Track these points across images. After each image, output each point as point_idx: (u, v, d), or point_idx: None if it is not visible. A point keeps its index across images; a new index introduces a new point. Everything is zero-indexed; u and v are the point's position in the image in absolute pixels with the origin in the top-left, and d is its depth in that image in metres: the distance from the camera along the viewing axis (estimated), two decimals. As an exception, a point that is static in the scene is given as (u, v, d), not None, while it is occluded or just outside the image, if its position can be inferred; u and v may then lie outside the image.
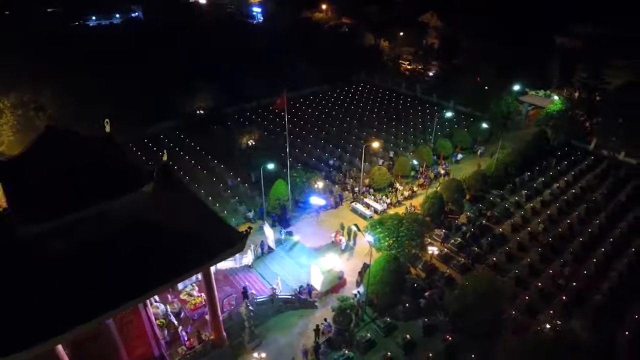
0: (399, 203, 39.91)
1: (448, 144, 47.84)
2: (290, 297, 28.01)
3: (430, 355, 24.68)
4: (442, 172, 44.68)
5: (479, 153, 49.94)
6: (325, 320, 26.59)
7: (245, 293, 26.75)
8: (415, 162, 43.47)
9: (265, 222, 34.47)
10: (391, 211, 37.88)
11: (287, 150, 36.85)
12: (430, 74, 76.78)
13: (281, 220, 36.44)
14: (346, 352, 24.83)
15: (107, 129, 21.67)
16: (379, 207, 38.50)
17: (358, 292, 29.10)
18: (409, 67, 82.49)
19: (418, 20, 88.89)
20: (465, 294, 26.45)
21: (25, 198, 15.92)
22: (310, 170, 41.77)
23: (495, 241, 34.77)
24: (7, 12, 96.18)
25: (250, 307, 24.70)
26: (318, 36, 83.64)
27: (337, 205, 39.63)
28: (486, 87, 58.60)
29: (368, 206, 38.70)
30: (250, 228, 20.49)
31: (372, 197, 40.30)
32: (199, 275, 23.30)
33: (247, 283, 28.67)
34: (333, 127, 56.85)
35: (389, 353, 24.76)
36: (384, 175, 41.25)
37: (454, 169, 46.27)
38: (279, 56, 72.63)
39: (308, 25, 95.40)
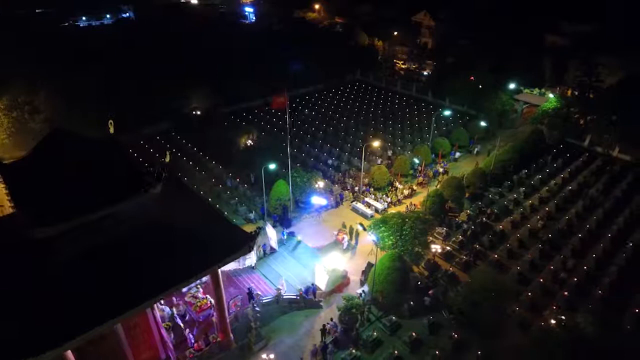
0: (399, 202, 40.03)
1: (446, 143, 48.10)
2: (295, 297, 27.91)
3: (437, 352, 24.80)
4: (441, 170, 44.91)
5: (475, 152, 50.27)
6: (332, 319, 26.57)
7: (250, 294, 26.60)
8: (416, 160, 43.53)
9: (268, 222, 34.31)
10: (391, 210, 38.00)
11: (288, 150, 36.72)
12: (425, 73, 77.09)
13: (282, 220, 36.32)
14: (353, 351, 24.84)
15: (111, 130, 21.38)
16: (379, 206, 38.57)
17: (363, 291, 29.12)
18: (403, 66, 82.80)
19: (411, 19, 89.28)
20: (470, 291, 26.64)
21: (34, 201, 15.62)
22: (310, 170, 41.74)
23: (495, 238, 35.08)
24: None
25: (257, 308, 24.56)
26: (312, 36, 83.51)
27: (337, 204, 39.61)
28: (480, 86, 59.07)
29: (369, 205, 38.74)
30: (259, 228, 20.38)
31: (372, 196, 40.36)
32: (204, 277, 23.13)
33: (252, 284, 28.49)
34: (330, 127, 56.84)
35: (396, 351, 24.83)
36: (384, 174, 41.34)
37: (452, 167, 46.58)
38: (273, 56, 72.32)
39: (301, 25, 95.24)
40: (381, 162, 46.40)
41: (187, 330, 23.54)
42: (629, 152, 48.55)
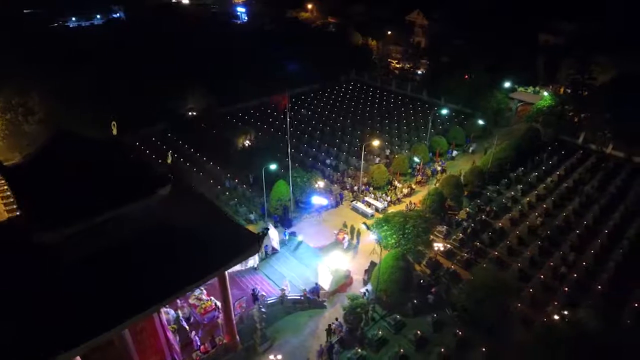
0: (399, 201, 40.16)
1: (443, 141, 48.37)
2: (299, 297, 27.85)
3: (443, 350, 24.92)
4: (439, 169, 45.15)
5: (470, 151, 50.61)
6: (337, 319, 26.56)
7: (255, 295, 26.48)
8: (416, 159, 43.70)
9: (270, 223, 34.19)
10: (391, 209, 38.14)
11: (289, 150, 36.65)
12: (419, 72, 77.44)
13: (283, 221, 36.23)
14: (359, 350, 24.85)
15: (114, 131, 21.13)
16: (379, 205, 38.68)
17: (366, 290, 29.15)
18: (397, 65, 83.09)
19: (405, 19, 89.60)
20: (473, 289, 26.80)
21: (40, 204, 15.35)
22: (308, 170, 41.68)
23: (495, 236, 35.36)
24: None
25: (263, 309, 24.45)
26: (305, 36, 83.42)
27: (337, 204, 39.62)
28: (475, 85, 59.49)
29: (369, 205, 38.81)
30: (266, 229, 20.30)
31: (372, 195, 40.44)
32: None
33: (257, 286, 28.35)
34: (327, 127, 56.85)
35: (402, 350, 24.90)
36: (384, 173, 41.45)
37: (449, 166, 46.86)
38: (267, 56, 72.12)
39: (294, 24, 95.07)
40: (379, 161, 46.52)
41: (194, 332, 23.33)
42: (622, 149, 49.29)
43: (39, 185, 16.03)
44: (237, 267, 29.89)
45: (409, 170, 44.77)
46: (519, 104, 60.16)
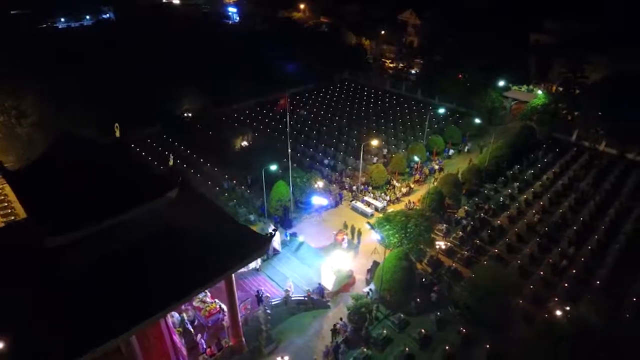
0: (398, 200, 40.31)
1: (440, 140, 48.66)
2: (303, 298, 27.81)
3: (447, 348, 25.07)
4: (437, 167, 45.41)
5: (466, 150, 50.97)
6: (341, 319, 26.58)
7: (259, 297, 26.37)
8: (416, 158, 43.91)
9: (271, 224, 34.06)
10: (390, 208, 38.26)
11: (289, 151, 36.57)
12: (413, 71, 77.82)
13: (283, 221, 36.13)
14: (365, 350, 24.89)
15: (117, 133, 20.87)
16: (379, 204, 38.78)
17: (370, 290, 29.20)
18: (391, 65, 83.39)
19: (397, 18, 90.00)
20: (475, 286, 27.00)
21: (50, 208, 15.09)
22: (307, 170, 41.63)
23: (494, 233, 35.66)
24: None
25: (268, 311, 24.35)
26: (298, 36, 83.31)
27: (337, 204, 39.63)
28: (468, 84, 60.00)
29: (369, 204, 38.89)
30: (274, 230, 20.22)
31: (371, 195, 40.53)
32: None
33: (261, 288, 28.24)
34: (323, 127, 56.84)
35: (407, 349, 24.99)
36: (382, 172, 41.57)
37: (446, 165, 47.18)
38: (260, 56, 71.85)
39: (287, 24, 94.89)
40: (377, 160, 46.64)
41: (199, 335, 23.16)
42: (614, 146, 50.08)
43: (46, 189, 15.77)
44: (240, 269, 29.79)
45: (407, 170, 44.98)
46: (513, 103, 60.77)
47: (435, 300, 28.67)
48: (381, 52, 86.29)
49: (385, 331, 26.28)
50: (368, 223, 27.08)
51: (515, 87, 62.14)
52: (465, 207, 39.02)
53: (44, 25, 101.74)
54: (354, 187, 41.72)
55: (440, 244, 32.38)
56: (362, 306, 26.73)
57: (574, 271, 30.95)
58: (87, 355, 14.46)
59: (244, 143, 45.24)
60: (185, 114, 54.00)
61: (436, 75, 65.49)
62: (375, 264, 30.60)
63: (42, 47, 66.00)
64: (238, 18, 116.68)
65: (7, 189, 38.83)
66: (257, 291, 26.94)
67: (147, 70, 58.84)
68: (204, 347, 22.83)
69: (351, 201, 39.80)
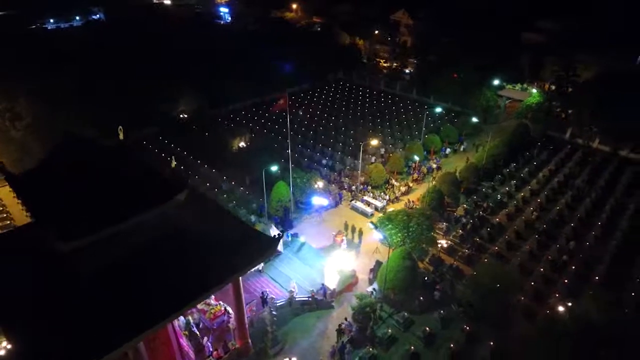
0: (397, 199, 40.47)
1: (437, 139, 48.94)
2: (307, 298, 27.79)
3: (452, 345, 25.22)
4: (434, 166, 45.67)
5: (461, 149, 51.33)
6: (346, 319, 26.59)
7: (264, 298, 26.28)
8: (416, 157, 44.09)
9: (272, 225, 33.95)
10: (390, 207, 38.38)
11: (289, 151, 36.50)
12: (407, 71, 78.15)
13: (284, 222, 36.04)
14: (371, 349, 24.94)
15: (121, 136, 20.66)
16: (378, 204, 38.88)
17: (373, 289, 29.26)
18: (385, 65, 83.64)
19: (390, 18, 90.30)
20: (478, 284, 27.20)
21: (57, 213, 14.85)
22: (306, 170, 41.58)
23: (494, 231, 35.97)
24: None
25: (274, 312, 24.29)
26: (292, 36, 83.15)
27: (336, 204, 39.65)
28: (463, 83, 60.40)
29: (368, 204, 38.96)
30: (282, 231, 20.16)
31: (371, 194, 40.63)
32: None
33: (266, 289, 28.14)
34: (320, 127, 56.84)
35: (412, 347, 25.08)
36: (381, 172, 41.69)
37: (444, 163, 47.46)
38: (253, 57, 71.54)
39: (280, 24, 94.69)
40: (375, 160, 46.76)
41: (206, 338, 23.00)
42: (607, 144, 50.84)
43: (53, 193, 15.51)
44: (243, 271, 29.66)
45: (404, 169, 45.16)
46: (507, 101, 61.37)
47: (438, 298, 28.82)
48: (375, 51, 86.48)
49: (390, 330, 26.34)
50: (372, 222, 27.10)
51: (509, 86, 62.77)
52: (464, 206, 39.29)
53: (33, 27, 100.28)
54: (353, 187, 41.77)
55: (442, 243, 32.53)
56: (366, 306, 26.77)
57: (573, 267, 31.35)
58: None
59: (242, 144, 45.00)
60: (181, 115, 53.52)
61: (431, 74, 65.85)
62: (378, 263, 30.67)
63: (32, 48, 65.06)
64: (230, 18, 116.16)
65: (2, 193, 38.24)
66: (262, 293, 26.85)
67: (141, 71, 58.21)
68: (210, 350, 22.68)
69: (351, 201, 39.86)
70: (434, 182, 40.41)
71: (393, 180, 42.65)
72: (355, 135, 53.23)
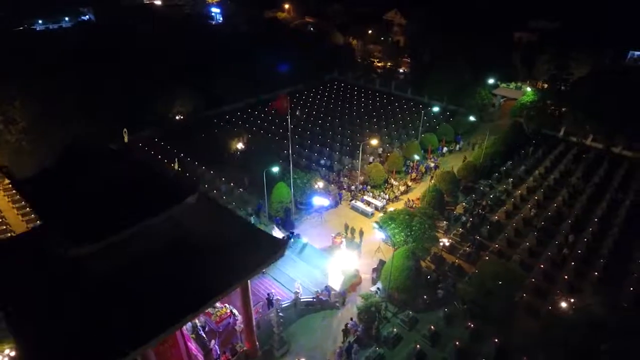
0: (397, 198, 40.64)
1: (434, 138, 49.23)
2: (312, 299, 27.79)
3: (457, 343, 25.42)
4: (433, 165, 45.95)
5: (457, 148, 51.68)
6: (352, 319, 26.65)
7: (270, 300, 26.24)
8: (416, 156, 44.30)
9: (275, 226, 33.88)
10: (390, 207, 38.52)
11: (290, 152, 36.43)
12: (401, 70, 78.49)
13: (285, 223, 35.97)
14: (377, 349, 25.04)
15: (126, 139, 20.46)
16: (378, 203, 39.01)
17: (378, 288, 29.36)
18: (379, 64, 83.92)
19: (383, 18, 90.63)
20: (481, 281, 27.45)
21: (68, 217, 14.66)
22: (305, 171, 41.56)
23: (493, 229, 36.31)
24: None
25: (281, 314, 24.25)
26: (284, 36, 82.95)
27: (336, 204, 39.70)
28: (458, 82, 60.80)
29: (368, 203, 39.07)
30: (291, 233, 20.13)
31: (370, 194, 40.75)
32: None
33: (272, 290, 28.09)
34: (316, 127, 56.84)
35: (418, 345, 25.23)
36: (381, 171, 41.84)
37: (442, 162, 47.78)
38: (246, 57, 71.13)
39: (271, 25, 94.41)
40: (373, 159, 46.90)
41: (213, 341, 22.88)
42: (601, 141, 51.64)
43: (62, 197, 15.30)
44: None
45: (403, 168, 45.36)
46: (502, 100, 61.97)
47: (441, 296, 29.03)
48: (369, 51, 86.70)
49: (395, 329, 26.46)
50: (376, 222, 27.18)
51: (503, 85, 63.40)
52: (464, 204, 39.62)
53: (21, 28, 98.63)
54: (353, 187, 41.86)
55: (444, 241, 32.77)
56: (371, 305, 26.83)
57: (573, 263, 31.79)
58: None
59: (240, 145, 44.83)
60: (178, 117, 53.13)
61: (425, 74, 66.20)
62: (382, 262, 30.78)
63: (22, 49, 63.91)
64: (221, 19, 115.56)
65: (-2, 197, 37.68)
66: (268, 294, 26.81)
67: (135, 72, 57.53)
68: (218, 352, 22.58)
69: (351, 201, 39.93)
70: (433, 181, 40.65)
71: (392, 180, 42.81)
72: (352, 135, 53.34)
